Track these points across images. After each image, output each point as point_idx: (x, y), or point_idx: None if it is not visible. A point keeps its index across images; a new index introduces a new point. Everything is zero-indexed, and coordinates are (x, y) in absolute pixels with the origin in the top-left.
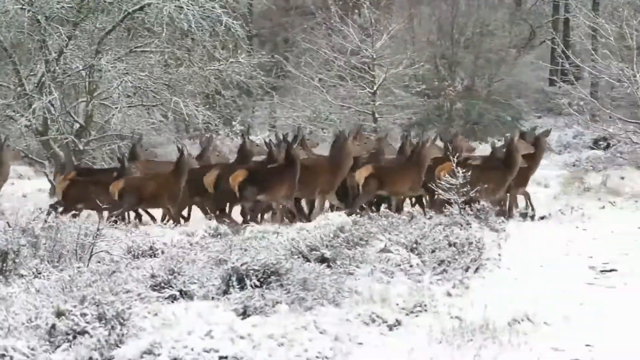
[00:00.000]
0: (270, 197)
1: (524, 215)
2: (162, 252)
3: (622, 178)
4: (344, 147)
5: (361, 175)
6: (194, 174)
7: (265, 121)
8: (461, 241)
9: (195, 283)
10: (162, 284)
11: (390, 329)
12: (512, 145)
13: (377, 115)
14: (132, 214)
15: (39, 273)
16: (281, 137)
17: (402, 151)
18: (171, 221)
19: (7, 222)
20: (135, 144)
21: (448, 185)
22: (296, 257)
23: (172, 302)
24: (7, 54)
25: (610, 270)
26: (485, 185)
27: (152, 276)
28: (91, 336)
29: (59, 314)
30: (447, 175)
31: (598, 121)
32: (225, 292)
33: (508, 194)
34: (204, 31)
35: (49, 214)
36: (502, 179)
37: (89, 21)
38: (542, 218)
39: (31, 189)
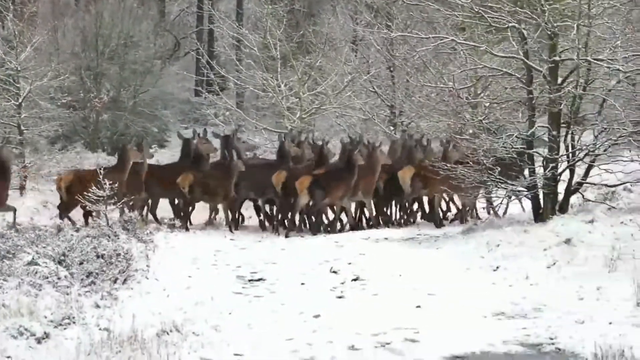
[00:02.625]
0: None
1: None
2: None
3: None
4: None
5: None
6: None
7: None
8: (109, 253)
9: None
10: None
11: (39, 342)
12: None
13: (22, 128)
14: None
15: None
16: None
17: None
18: None
19: None
20: None
21: (95, 197)
22: None
23: None
24: None
25: (258, 280)
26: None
27: None
28: None
29: None
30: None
31: (244, 131)
32: None
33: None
34: None
35: None
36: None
37: None
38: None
39: None
